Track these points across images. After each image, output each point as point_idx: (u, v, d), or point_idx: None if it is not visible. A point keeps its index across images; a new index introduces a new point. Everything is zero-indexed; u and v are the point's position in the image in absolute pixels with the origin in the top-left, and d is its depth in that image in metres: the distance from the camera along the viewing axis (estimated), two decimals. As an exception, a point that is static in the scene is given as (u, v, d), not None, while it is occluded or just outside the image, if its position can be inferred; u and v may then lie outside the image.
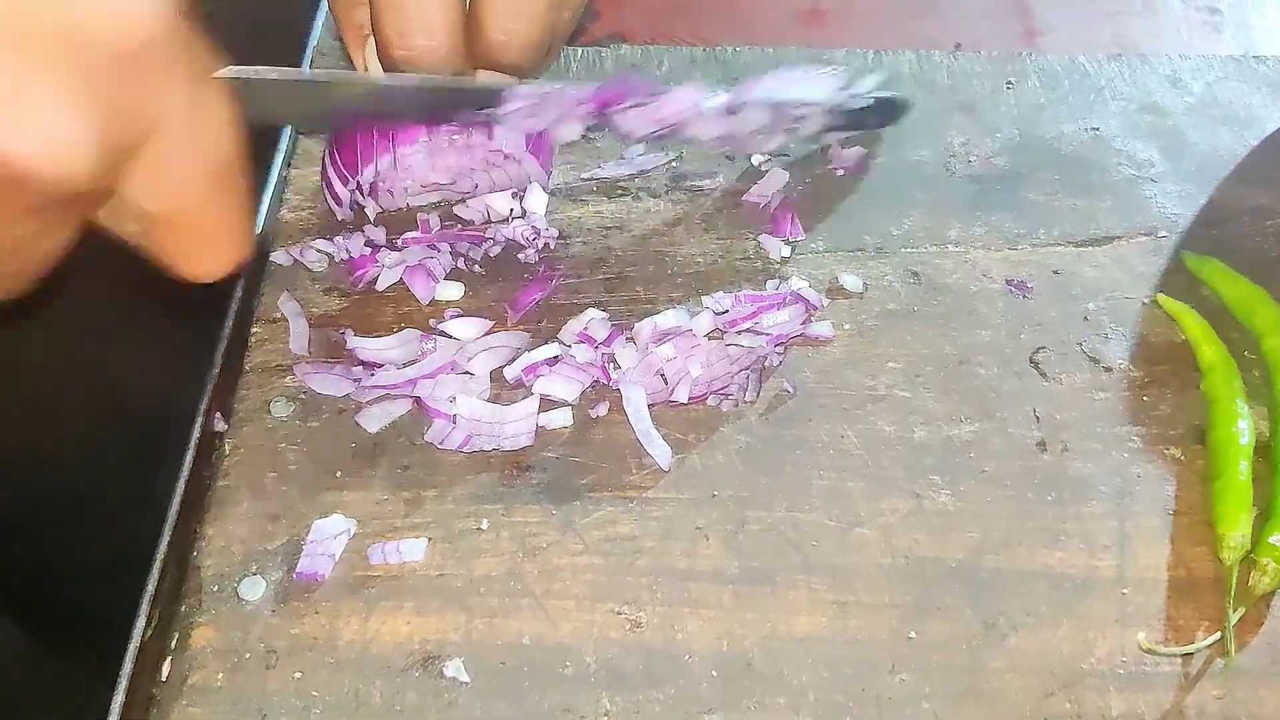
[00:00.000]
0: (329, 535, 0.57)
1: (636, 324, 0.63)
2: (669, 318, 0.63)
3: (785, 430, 0.62)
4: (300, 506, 0.59)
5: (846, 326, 0.66)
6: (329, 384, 0.62)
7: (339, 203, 0.68)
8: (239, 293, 0.67)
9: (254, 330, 0.66)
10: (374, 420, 0.61)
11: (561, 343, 0.64)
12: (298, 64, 0.79)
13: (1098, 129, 0.77)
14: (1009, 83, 0.80)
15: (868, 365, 0.64)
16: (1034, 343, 0.66)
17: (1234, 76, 0.80)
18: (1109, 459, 0.61)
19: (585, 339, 0.63)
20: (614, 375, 0.62)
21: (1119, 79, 0.80)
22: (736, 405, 0.62)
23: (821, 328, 0.66)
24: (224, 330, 0.65)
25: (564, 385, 0.62)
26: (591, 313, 0.65)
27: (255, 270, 0.69)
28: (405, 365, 0.63)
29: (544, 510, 0.59)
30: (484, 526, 0.58)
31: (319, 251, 0.69)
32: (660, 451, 0.60)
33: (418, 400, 0.61)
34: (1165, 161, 0.75)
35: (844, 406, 0.63)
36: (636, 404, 0.60)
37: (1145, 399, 0.63)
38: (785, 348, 0.65)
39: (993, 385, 0.64)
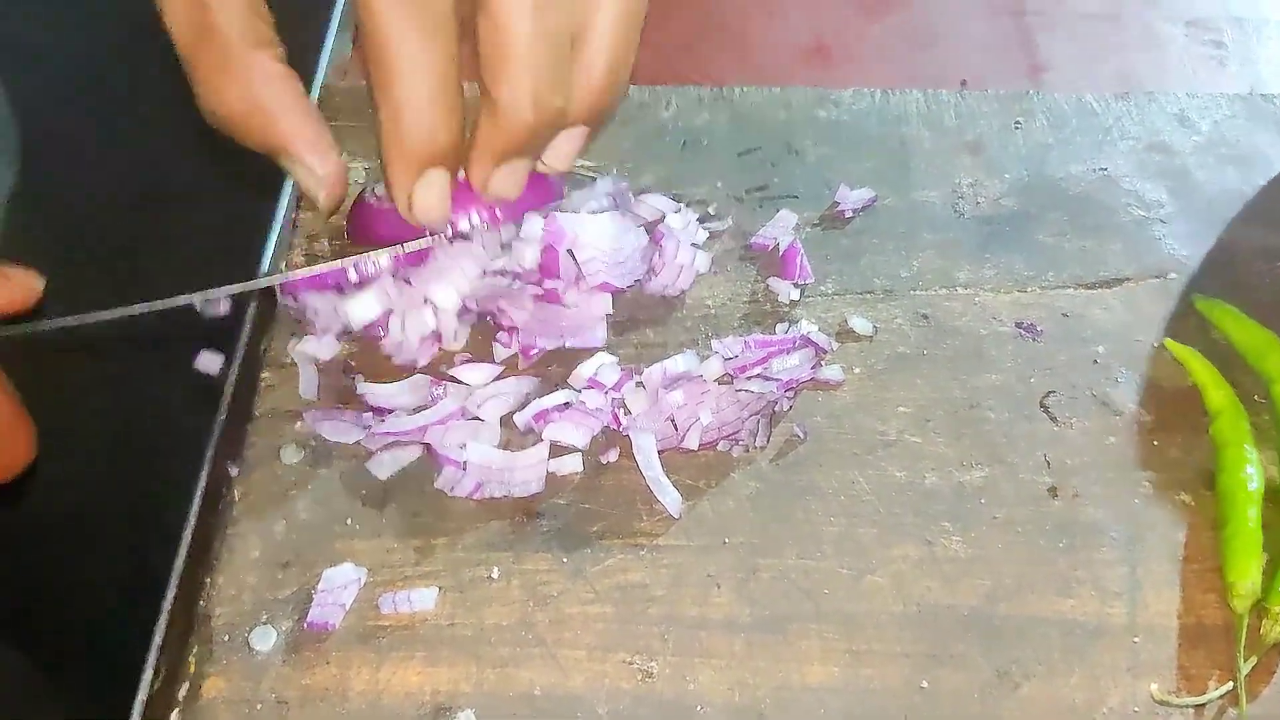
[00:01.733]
0: (339, 584, 0.57)
1: (646, 369, 0.63)
2: (679, 363, 0.63)
3: (796, 476, 0.62)
4: (310, 555, 0.59)
5: (856, 370, 0.66)
6: (339, 431, 0.62)
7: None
8: (245, 337, 0.67)
9: (263, 376, 0.66)
10: (384, 467, 0.61)
11: (572, 388, 0.64)
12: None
13: (1106, 169, 0.77)
14: (1017, 123, 0.80)
15: (878, 409, 0.64)
16: (1044, 387, 0.65)
17: (1241, 115, 0.80)
18: (1120, 505, 0.61)
19: (595, 384, 0.63)
20: (624, 421, 0.62)
21: (1127, 118, 0.80)
22: (747, 450, 0.62)
23: (831, 371, 0.65)
24: (231, 375, 0.65)
25: (574, 431, 0.62)
26: (602, 357, 0.65)
27: (264, 313, 0.69)
28: (415, 411, 0.63)
29: (554, 558, 0.58)
30: (494, 575, 0.58)
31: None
32: (671, 499, 0.60)
33: (427, 447, 0.61)
34: (1174, 201, 0.75)
35: (855, 452, 0.63)
36: (646, 451, 0.60)
37: (1155, 443, 0.63)
38: (795, 392, 0.64)
39: (1003, 430, 0.64)
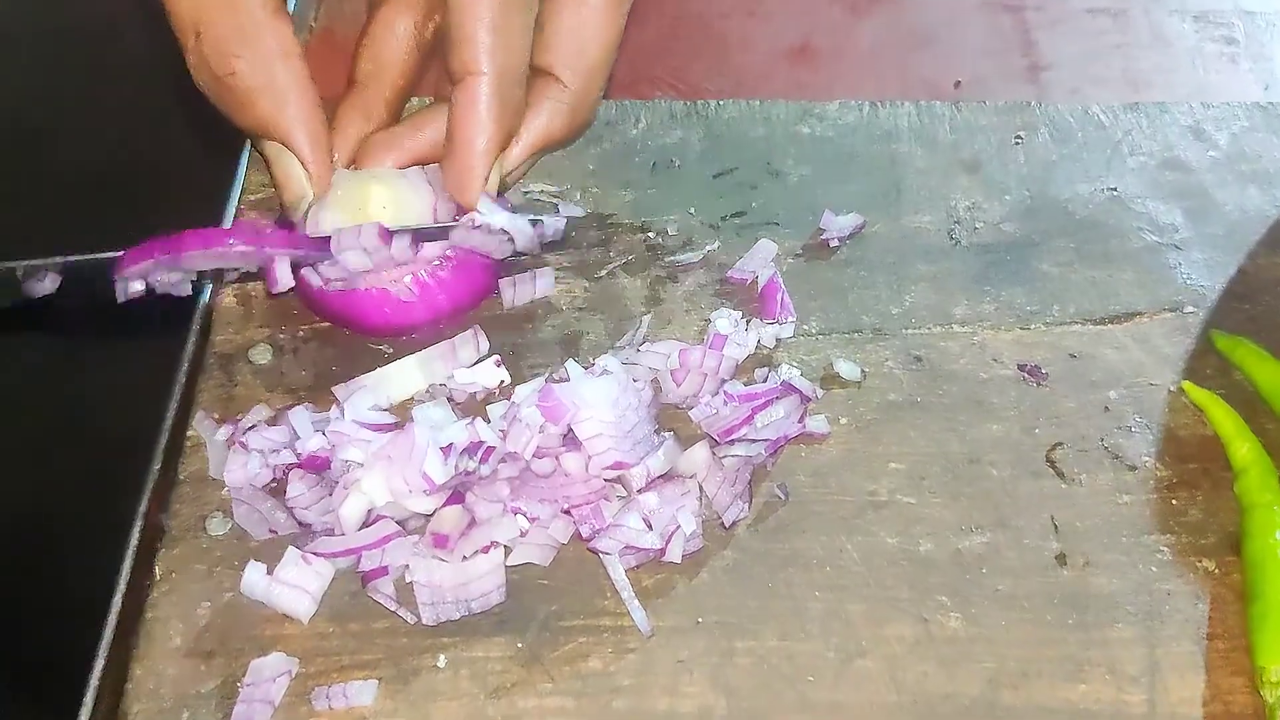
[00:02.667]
0: (268, 677, 0.51)
1: (627, 472, 0.56)
2: (659, 460, 0.56)
3: (777, 544, 0.56)
4: (236, 641, 0.53)
5: (843, 420, 0.60)
6: (256, 524, 0.56)
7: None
8: (180, 387, 0.61)
9: (189, 434, 0.60)
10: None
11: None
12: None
13: (1115, 189, 0.71)
14: (1018, 137, 0.73)
15: (867, 466, 0.58)
16: (1050, 438, 0.59)
17: (1261, 126, 0.74)
18: (1135, 574, 0.55)
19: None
20: (587, 532, 0.55)
21: (1137, 131, 0.74)
22: (728, 528, 0.56)
23: (816, 423, 0.59)
24: (162, 432, 0.59)
25: (539, 553, 0.55)
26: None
27: (194, 360, 0.62)
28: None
29: (508, 643, 0.53)
30: (441, 663, 0.52)
31: (266, 345, 0.63)
32: (639, 618, 0.53)
33: (364, 577, 0.54)
34: (1190, 225, 0.69)
35: (841, 515, 0.57)
36: (616, 572, 0.54)
37: (1174, 503, 0.57)
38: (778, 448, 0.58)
39: (1006, 488, 0.58)
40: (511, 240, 0.62)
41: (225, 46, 0.54)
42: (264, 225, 0.61)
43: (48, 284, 0.57)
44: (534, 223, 0.63)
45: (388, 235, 0.59)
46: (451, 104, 0.59)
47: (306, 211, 0.60)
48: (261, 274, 0.59)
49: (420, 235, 0.60)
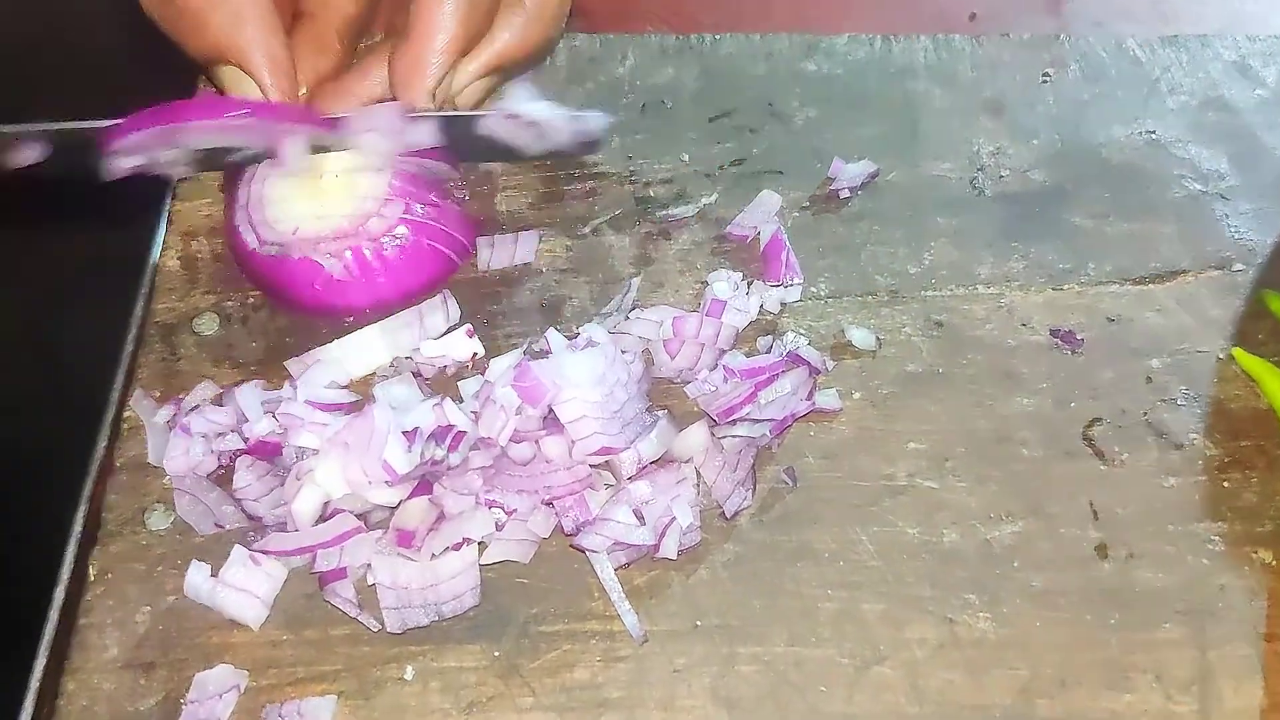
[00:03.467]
0: (213, 693, 0.47)
1: (616, 457, 0.50)
2: (651, 444, 0.50)
3: (784, 535, 0.50)
4: (179, 652, 0.48)
5: (856, 395, 0.55)
6: (201, 517, 0.50)
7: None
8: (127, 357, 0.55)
9: (126, 414, 0.54)
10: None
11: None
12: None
13: (1154, 132, 0.65)
14: (1045, 74, 0.67)
15: (884, 446, 0.53)
16: (1087, 413, 0.54)
17: (1314, 60, 0.68)
18: (1184, 566, 0.50)
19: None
20: (570, 527, 0.49)
21: (1176, 67, 0.67)
22: (730, 518, 0.50)
23: (826, 398, 0.54)
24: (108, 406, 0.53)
25: (517, 549, 0.49)
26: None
27: (135, 333, 0.56)
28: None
29: (483, 651, 0.48)
30: (408, 675, 0.47)
31: (212, 313, 0.56)
32: (630, 622, 0.48)
33: (321, 579, 0.49)
34: (1237, 172, 0.63)
35: (855, 502, 0.51)
36: (604, 570, 0.48)
37: (1225, 485, 0.53)
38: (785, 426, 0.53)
39: (1038, 470, 0.52)
40: (543, 135, 0.56)
41: None
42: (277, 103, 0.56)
43: (32, 154, 0.53)
44: (574, 119, 0.57)
45: (410, 118, 0.54)
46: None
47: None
48: (264, 157, 0.55)
49: (445, 122, 0.55)
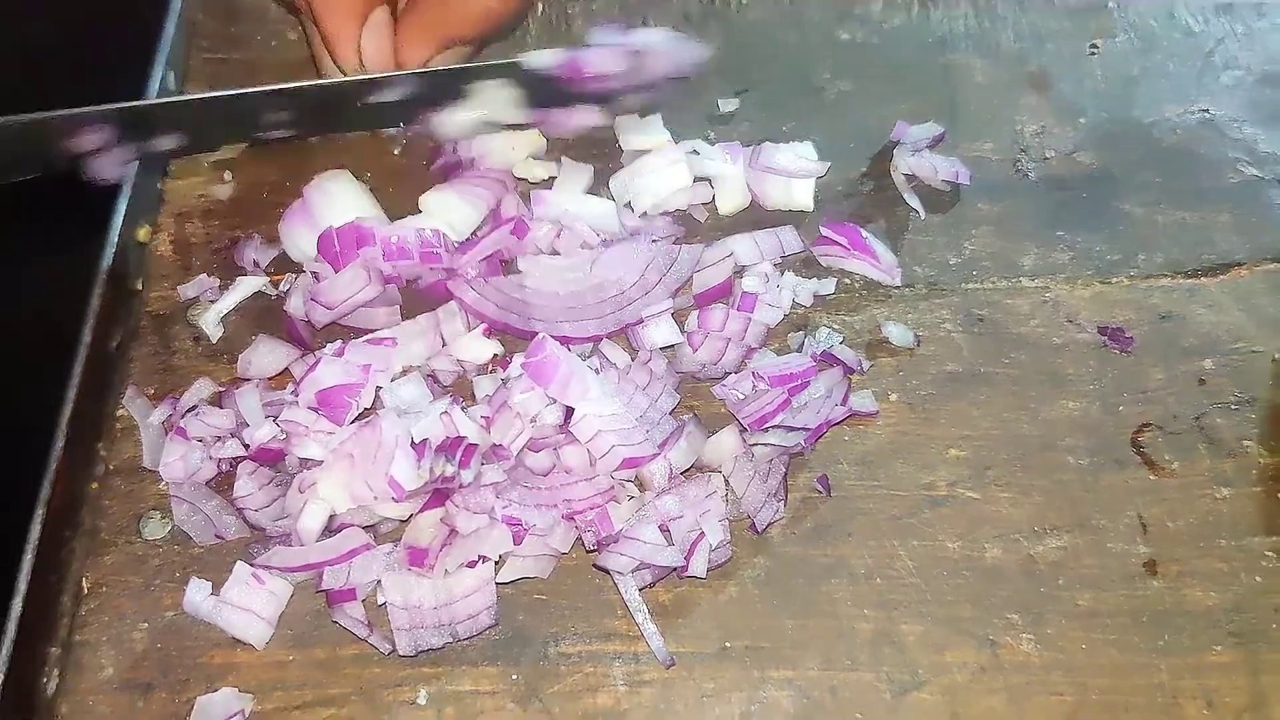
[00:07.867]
0: (216, 718, 0.43)
1: (644, 470, 0.47)
2: (681, 452, 0.47)
3: (817, 549, 0.48)
4: (179, 672, 0.46)
5: (893, 396, 0.52)
6: (199, 526, 0.47)
7: None
8: (85, 348, 0.50)
9: (119, 414, 0.50)
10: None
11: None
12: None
13: (1208, 110, 0.61)
14: (1093, 46, 0.63)
15: (922, 453, 0.50)
16: (1137, 418, 0.51)
17: (1376, 32, 0.63)
18: (1237, 585, 0.48)
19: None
20: (592, 542, 0.46)
21: (1230, 38, 0.63)
22: (760, 533, 0.48)
23: (861, 400, 0.50)
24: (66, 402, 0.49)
25: (536, 565, 0.47)
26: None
27: (101, 314, 0.51)
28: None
29: (500, 674, 0.46)
30: (421, 700, 0.45)
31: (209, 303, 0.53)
32: (656, 645, 0.45)
33: (328, 598, 0.46)
34: (1297, 155, 0.59)
35: (893, 513, 0.48)
36: (630, 595, 0.46)
37: (1281, 497, 0.49)
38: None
39: (1085, 480, 0.50)
40: (643, 68, 0.54)
41: None
42: None
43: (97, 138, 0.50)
44: (678, 40, 0.54)
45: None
46: None
47: None
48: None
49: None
